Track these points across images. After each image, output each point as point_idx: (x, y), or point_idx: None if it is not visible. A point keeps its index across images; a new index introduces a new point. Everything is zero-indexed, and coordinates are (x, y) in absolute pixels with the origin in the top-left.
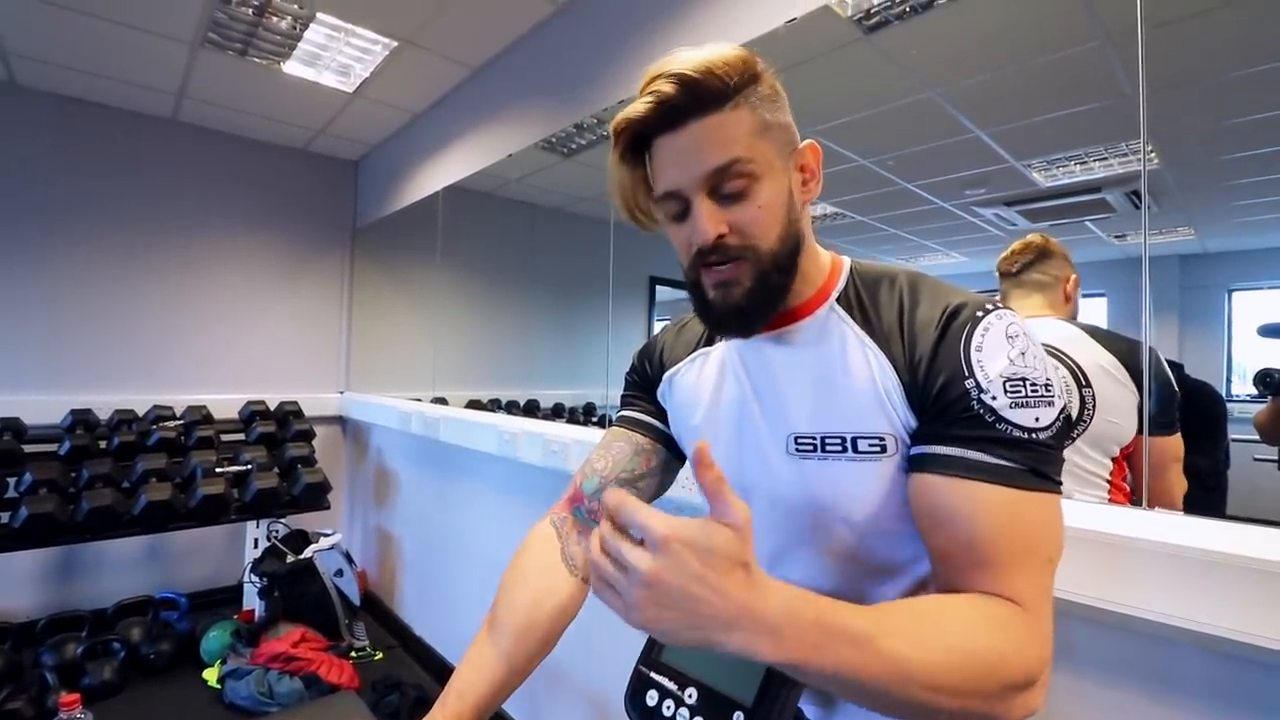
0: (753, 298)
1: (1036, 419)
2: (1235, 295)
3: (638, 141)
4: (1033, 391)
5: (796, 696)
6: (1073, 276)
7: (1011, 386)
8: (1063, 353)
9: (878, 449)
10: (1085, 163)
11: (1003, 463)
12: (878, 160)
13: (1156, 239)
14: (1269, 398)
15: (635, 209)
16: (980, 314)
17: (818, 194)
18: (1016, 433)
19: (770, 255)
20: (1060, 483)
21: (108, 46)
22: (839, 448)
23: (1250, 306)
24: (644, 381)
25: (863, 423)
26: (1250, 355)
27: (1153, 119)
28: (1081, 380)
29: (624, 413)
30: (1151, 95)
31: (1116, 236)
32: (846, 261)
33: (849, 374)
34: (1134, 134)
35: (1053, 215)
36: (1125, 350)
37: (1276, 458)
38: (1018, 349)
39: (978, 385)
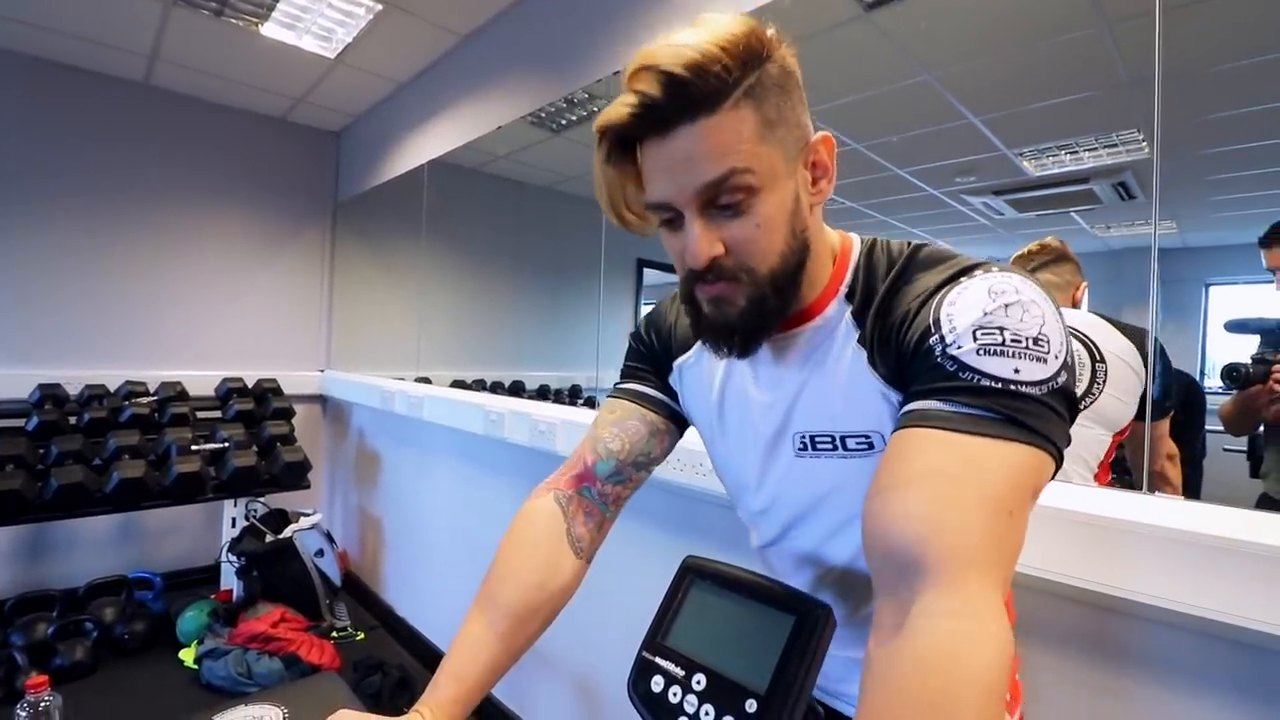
0: (747, 319)
1: (1016, 370)
2: (1212, 290)
3: (625, 140)
4: (1014, 341)
5: (812, 684)
6: (1082, 284)
7: (983, 334)
8: (1081, 333)
9: (865, 446)
10: (1075, 152)
11: (963, 410)
12: (870, 145)
13: (1142, 229)
14: (1234, 391)
15: (625, 210)
16: (966, 277)
17: (830, 193)
18: (985, 381)
19: (769, 277)
20: (1052, 441)
21: (75, 1)
22: (829, 445)
23: (1226, 301)
24: (651, 354)
25: (851, 421)
26: (1224, 350)
27: (1144, 109)
28: (1096, 356)
29: (632, 386)
30: (1143, 85)
31: (1101, 228)
32: (856, 246)
33: (842, 372)
34: (1126, 124)
35: (1040, 205)
36: (1139, 337)
37: (1246, 449)
38: (1000, 303)
39: (942, 339)
